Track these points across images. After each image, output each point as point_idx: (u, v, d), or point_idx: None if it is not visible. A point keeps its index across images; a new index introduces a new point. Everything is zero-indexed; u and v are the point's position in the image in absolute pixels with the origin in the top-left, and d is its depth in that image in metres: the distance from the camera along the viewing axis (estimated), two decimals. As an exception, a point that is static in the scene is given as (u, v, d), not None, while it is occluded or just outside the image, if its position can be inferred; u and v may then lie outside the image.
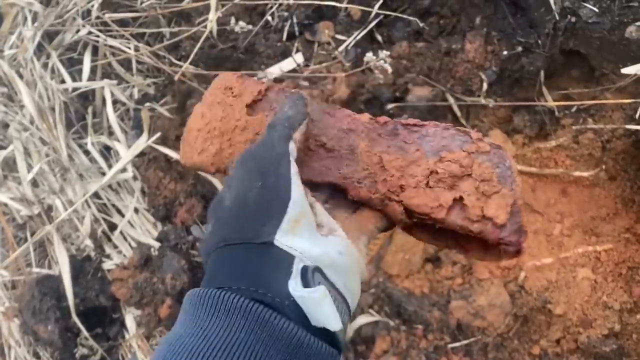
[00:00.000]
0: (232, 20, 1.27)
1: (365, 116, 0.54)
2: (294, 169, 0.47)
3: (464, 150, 0.50)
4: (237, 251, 0.44)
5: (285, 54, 1.36)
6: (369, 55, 1.16)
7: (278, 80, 1.31)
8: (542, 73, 1.23)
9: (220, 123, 0.55)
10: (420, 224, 0.53)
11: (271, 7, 1.35)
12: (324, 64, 1.37)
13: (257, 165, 0.47)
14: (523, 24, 1.23)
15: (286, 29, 1.37)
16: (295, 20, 1.38)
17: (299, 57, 1.37)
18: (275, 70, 1.32)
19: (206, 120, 0.55)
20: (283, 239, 0.43)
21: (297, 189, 0.46)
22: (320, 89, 1.32)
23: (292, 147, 0.48)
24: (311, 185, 0.51)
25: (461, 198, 0.49)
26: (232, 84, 0.56)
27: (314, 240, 0.45)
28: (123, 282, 1.19)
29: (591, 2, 1.14)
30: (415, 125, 0.53)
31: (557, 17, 1.16)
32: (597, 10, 1.13)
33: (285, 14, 1.37)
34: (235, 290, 0.42)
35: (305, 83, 1.35)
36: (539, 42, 1.21)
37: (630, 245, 1.29)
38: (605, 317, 1.22)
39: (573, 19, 1.16)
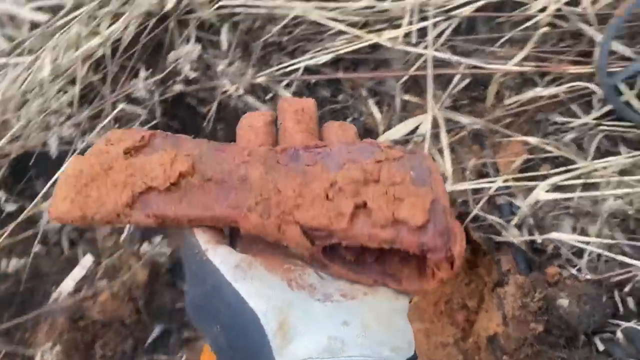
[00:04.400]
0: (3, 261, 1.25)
1: (263, 148, 0.47)
2: (230, 273, 0.39)
3: (370, 159, 0.44)
4: None
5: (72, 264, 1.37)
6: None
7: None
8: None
9: (88, 166, 0.45)
10: (336, 255, 0.44)
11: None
12: (115, 255, 1.40)
13: (200, 307, 0.40)
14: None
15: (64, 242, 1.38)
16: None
17: (87, 260, 1.38)
18: (68, 286, 1.32)
19: (75, 166, 0.46)
20: (285, 358, 0.36)
21: (254, 292, 0.38)
22: (120, 281, 1.35)
23: (217, 251, 0.41)
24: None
25: (365, 203, 0.41)
26: (113, 136, 0.48)
27: (314, 329, 0.38)
28: None
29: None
30: (317, 146, 0.46)
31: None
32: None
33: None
34: None
35: (104, 282, 1.36)
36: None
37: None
38: (448, 354, 1.36)
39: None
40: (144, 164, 0.45)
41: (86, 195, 0.43)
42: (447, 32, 1.25)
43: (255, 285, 0.38)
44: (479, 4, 1.25)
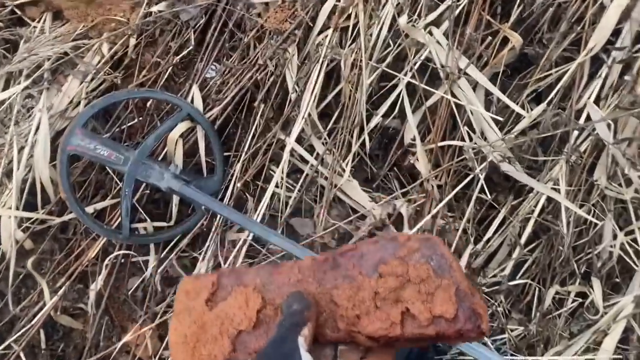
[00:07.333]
0: None
1: (307, 260, 0.57)
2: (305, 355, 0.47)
3: (397, 257, 0.53)
4: None
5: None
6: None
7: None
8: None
9: (189, 330, 0.56)
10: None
11: None
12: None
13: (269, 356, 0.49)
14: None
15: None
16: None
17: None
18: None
19: (179, 331, 0.57)
20: None
21: None
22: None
23: (302, 341, 0.48)
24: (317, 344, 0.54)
25: (407, 309, 0.51)
26: (189, 287, 0.59)
27: None
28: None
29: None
30: (349, 250, 0.55)
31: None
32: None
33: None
34: None
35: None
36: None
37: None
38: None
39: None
40: (227, 312, 0.55)
41: (200, 355, 0.55)
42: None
43: None
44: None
